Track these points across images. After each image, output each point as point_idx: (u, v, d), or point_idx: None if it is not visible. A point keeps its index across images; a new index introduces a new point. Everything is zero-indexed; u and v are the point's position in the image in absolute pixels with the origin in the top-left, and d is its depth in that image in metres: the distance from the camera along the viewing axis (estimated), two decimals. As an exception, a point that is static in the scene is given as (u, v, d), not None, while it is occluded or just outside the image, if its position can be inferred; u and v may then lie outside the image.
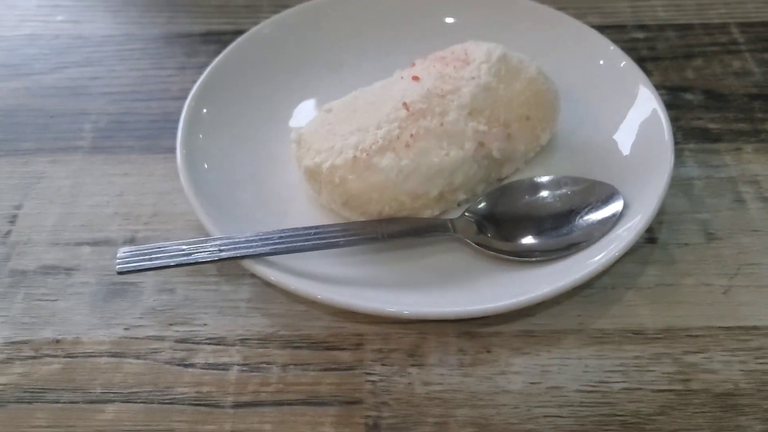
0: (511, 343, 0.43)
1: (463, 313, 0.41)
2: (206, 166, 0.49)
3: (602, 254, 0.43)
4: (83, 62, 0.62)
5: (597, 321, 0.44)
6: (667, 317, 0.44)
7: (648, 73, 0.59)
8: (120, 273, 0.42)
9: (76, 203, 0.51)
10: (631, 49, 0.61)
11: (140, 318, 0.45)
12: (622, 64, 0.54)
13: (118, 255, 0.43)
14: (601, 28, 0.62)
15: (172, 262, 0.42)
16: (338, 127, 0.47)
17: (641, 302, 0.45)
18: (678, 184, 0.51)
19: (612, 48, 0.55)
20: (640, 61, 0.59)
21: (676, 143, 0.53)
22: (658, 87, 0.58)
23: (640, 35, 0.64)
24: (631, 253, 0.47)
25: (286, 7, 0.61)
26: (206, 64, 0.55)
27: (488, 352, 0.43)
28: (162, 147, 0.54)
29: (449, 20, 0.60)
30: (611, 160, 0.50)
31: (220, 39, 0.63)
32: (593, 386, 0.41)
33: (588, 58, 0.55)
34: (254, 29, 0.57)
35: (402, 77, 0.49)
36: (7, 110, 0.59)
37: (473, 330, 0.44)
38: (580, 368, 0.42)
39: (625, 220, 0.45)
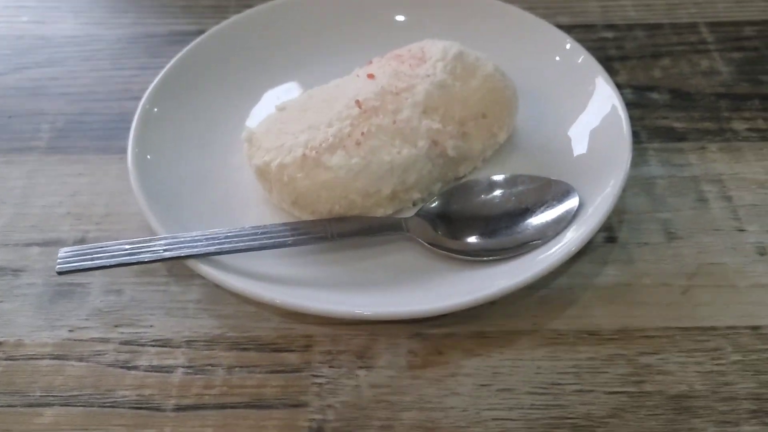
0: (464, 345, 0.42)
1: (411, 313, 0.40)
2: (158, 165, 0.48)
3: (554, 252, 0.42)
4: (45, 63, 0.62)
5: (552, 322, 0.43)
6: (623, 318, 0.43)
7: (615, 72, 0.58)
8: (60, 273, 0.41)
9: (28, 204, 0.51)
10: (599, 48, 0.61)
11: (86, 320, 0.44)
12: (580, 60, 0.53)
13: (59, 255, 0.42)
14: (570, 28, 0.62)
15: (113, 261, 0.41)
16: (290, 125, 0.46)
17: (598, 302, 0.44)
18: (640, 184, 0.50)
19: (569, 44, 0.54)
20: (608, 61, 0.59)
21: (640, 142, 0.53)
22: (625, 86, 0.57)
23: (609, 35, 0.63)
24: (590, 252, 0.46)
25: (250, 6, 0.60)
26: (166, 65, 0.55)
27: (439, 353, 0.42)
28: (118, 147, 0.53)
29: (400, 18, 0.59)
30: (570, 157, 0.49)
31: (184, 39, 0.62)
32: (545, 388, 0.40)
33: (546, 54, 0.54)
34: (212, 30, 0.57)
35: (358, 75, 0.48)
36: (-35, 111, 0.58)
37: (425, 331, 0.43)
38: (533, 370, 0.41)
39: (581, 218, 0.44)
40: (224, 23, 0.58)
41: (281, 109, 0.48)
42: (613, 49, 0.62)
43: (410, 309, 0.40)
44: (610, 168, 0.46)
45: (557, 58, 0.54)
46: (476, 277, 0.43)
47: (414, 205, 0.47)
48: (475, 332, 0.43)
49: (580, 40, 0.56)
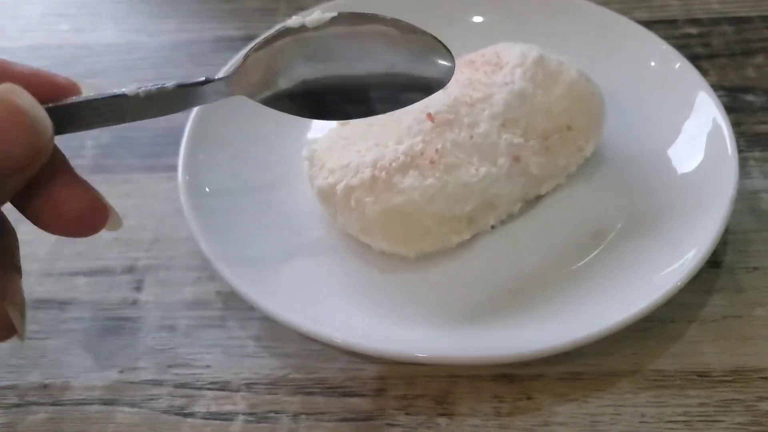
0: (556, 388, 0.38)
1: (500, 358, 0.36)
2: (210, 186, 0.44)
3: (659, 283, 0.37)
4: (86, 74, 0.58)
5: (655, 360, 0.38)
6: (736, 356, 0.38)
7: (704, 72, 0.52)
8: None
9: (72, 229, 0.47)
10: (683, 46, 0.55)
11: (137, 359, 0.40)
12: (676, 66, 0.47)
13: None
14: (650, 24, 0.56)
15: None
16: (354, 141, 0.42)
17: (705, 338, 0.39)
18: (743, 199, 0.45)
19: (664, 47, 0.48)
20: (694, 59, 0.53)
21: (739, 151, 0.47)
22: (716, 88, 0.51)
23: (693, 30, 0.57)
24: (693, 279, 0.41)
25: (302, 9, 0.56)
26: (215, 74, 0.51)
27: (529, 398, 0.37)
28: (165, 165, 0.50)
29: (478, 19, 0.54)
30: (666, 173, 0.44)
31: (231, 46, 0.59)
32: (652, 440, 0.36)
33: (637, 58, 0.49)
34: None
35: (426, 84, 0.44)
36: (5, 127, 0.55)
37: (511, 372, 0.38)
38: (636, 418, 0.36)
39: (686, 243, 0.39)
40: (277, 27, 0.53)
41: (343, 123, 0.43)
42: (699, 46, 0.56)
43: (496, 353, 0.36)
44: (711, 185, 0.41)
45: (652, 63, 0.49)
46: (571, 307, 0.38)
47: (492, 228, 0.43)
48: (568, 373, 0.38)
49: (662, 38, 0.51)
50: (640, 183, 0.43)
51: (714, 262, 0.42)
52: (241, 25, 0.61)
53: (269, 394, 0.38)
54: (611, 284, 0.39)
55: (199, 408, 0.38)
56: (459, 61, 0.44)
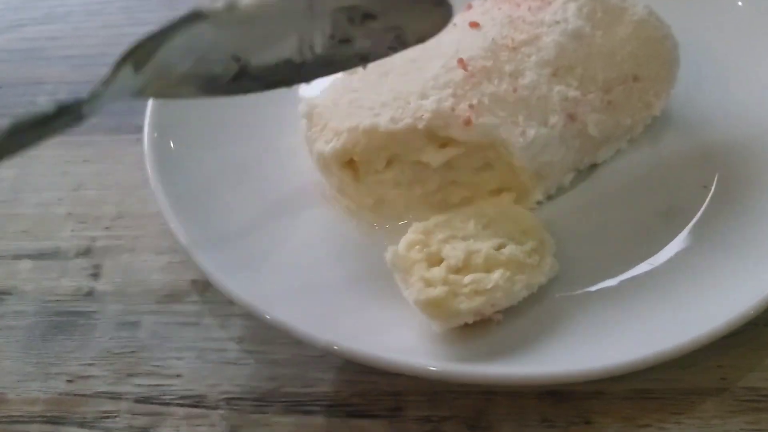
0: (621, 409, 0.30)
1: (552, 378, 0.28)
2: (184, 150, 0.37)
3: (761, 281, 0.29)
4: (44, 19, 0.52)
5: (747, 376, 0.31)
6: None
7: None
8: None
9: (17, 201, 0.41)
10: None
11: (90, 365, 0.34)
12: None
13: None
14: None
15: None
16: (365, 95, 0.34)
17: (808, 347, 0.31)
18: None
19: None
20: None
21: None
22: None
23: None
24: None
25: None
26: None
27: (587, 423, 0.30)
28: (133, 126, 0.43)
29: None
30: (749, 137, 0.36)
31: (213, -14, 0.51)
32: (750, 481, 0.28)
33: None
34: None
35: (455, 24, 0.35)
36: (-54, 81, 0.47)
37: (563, 389, 0.31)
38: (728, 451, 0.29)
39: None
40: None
41: (351, 71, 0.35)
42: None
43: (546, 371, 0.28)
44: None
45: (739, 3, 0.40)
46: (638, 310, 0.30)
47: (538, 204, 0.34)
48: (636, 391, 0.31)
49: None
50: (724, 151, 0.35)
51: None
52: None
53: (256, 412, 0.31)
54: (695, 282, 0.31)
55: (166, 429, 0.31)
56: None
